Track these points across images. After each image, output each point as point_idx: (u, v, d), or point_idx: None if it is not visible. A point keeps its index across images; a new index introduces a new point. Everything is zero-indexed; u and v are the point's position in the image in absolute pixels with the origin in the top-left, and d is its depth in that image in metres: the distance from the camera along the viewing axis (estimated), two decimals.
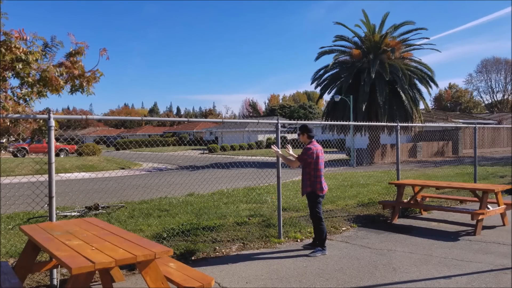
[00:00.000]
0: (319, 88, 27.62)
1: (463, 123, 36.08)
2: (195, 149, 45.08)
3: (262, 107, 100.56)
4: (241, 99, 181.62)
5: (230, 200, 9.60)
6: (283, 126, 50.04)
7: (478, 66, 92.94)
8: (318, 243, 5.66)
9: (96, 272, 3.91)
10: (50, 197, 4.50)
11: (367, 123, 8.80)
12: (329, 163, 22.07)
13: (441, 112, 47.97)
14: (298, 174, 14.98)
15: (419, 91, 25.49)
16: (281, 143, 6.42)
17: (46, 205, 4.62)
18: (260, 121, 6.84)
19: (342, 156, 28.20)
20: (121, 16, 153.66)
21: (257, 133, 52.20)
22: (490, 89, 72.42)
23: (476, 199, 7.20)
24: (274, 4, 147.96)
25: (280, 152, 5.96)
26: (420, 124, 12.41)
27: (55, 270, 4.49)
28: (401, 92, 24.23)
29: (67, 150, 32.48)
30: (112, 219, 7.45)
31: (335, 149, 33.47)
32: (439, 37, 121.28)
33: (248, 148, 44.34)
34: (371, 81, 23.75)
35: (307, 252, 5.68)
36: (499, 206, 7.11)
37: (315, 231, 5.73)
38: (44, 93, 4.90)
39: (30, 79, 4.72)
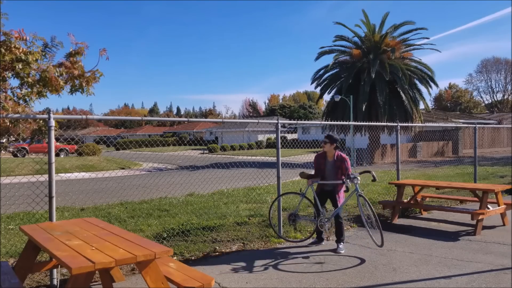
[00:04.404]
0: (319, 88, 27.66)
1: (463, 123, 36.08)
2: (195, 149, 45.07)
3: (262, 107, 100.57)
4: (241, 99, 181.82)
5: (230, 200, 9.60)
6: (283, 126, 50.04)
7: (478, 66, 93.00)
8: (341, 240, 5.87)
9: (96, 272, 3.91)
10: (50, 197, 4.50)
11: (367, 123, 8.80)
12: None
13: (441, 112, 47.98)
14: (298, 174, 14.97)
15: (419, 91, 25.50)
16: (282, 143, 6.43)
17: None
18: (260, 121, 6.84)
19: None
20: (121, 15, 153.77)
21: (257, 133, 52.20)
22: (490, 89, 72.45)
23: (476, 199, 7.20)
24: (274, 4, 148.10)
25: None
26: (420, 124, 12.40)
27: (55, 270, 4.49)
28: (401, 92, 24.24)
29: (67, 150, 32.48)
30: (112, 219, 7.45)
31: None
32: (439, 37, 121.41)
33: (248, 148, 44.34)
34: (371, 81, 23.76)
35: (306, 249, 5.68)
36: (499, 206, 7.11)
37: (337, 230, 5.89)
38: (44, 93, 4.91)
39: (30, 79, 4.72)
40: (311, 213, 6.17)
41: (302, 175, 6.23)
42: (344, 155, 6.01)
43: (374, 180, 5.76)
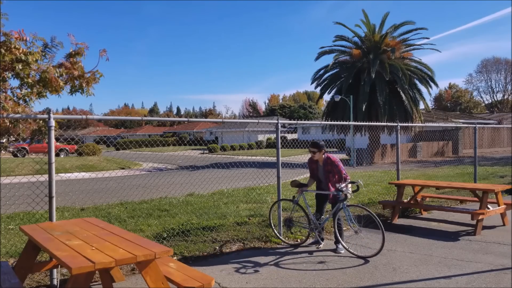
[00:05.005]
0: (319, 88, 27.66)
1: (463, 123, 36.08)
2: (195, 149, 45.10)
3: (262, 107, 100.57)
4: (241, 99, 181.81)
5: (230, 200, 9.60)
6: (283, 126, 50.05)
7: (478, 66, 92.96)
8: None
9: (96, 272, 3.91)
10: (50, 197, 4.50)
11: (367, 123, 8.80)
12: None
13: (441, 112, 47.97)
14: (298, 174, 15.01)
15: (419, 91, 25.50)
16: (281, 143, 6.44)
17: None
18: (260, 121, 6.84)
19: (342, 156, 28.20)
20: (122, 16, 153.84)
21: (257, 133, 52.20)
22: (490, 89, 72.43)
23: (476, 199, 7.20)
24: (274, 4, 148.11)
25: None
26: (420, 124, 12.40)
27: (55, 270, 4.50)
28: (401, 92, 24.23)
29: (67, 150, 32.50)
30: (112, 219, 7.45)
31: (335, 149, 33.49)
32: (439, 37, 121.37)
33: (248, 148, 44.34)
34: (371, 81, 23.76)
35: (308, 249, 5.68)
36: (499, 206, 7.11)
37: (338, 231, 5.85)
38: (44, 94, 4.91)
39: (30, 80, 4.72)
40: (305, 216, 6.19)
41: (293, 183, 6.27)
42: (333, 158, 5.88)
43: (356, 190, 5.58)
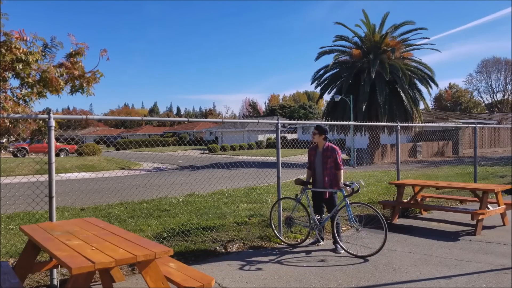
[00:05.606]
0: (319, 88, 27.67)
1: (463, 123, 36.06)
2: (195, 149, 45.10)
3: (262, 107, 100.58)
4: (241, 99, 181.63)
5: (230, 200, 9.60)
6: (283, 126, 50.06)
7: (478, 66, 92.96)
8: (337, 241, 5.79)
9: (96, 272, 3.91)
10: (50, 197, 4.50)
11: (367, 123, 8.80)
12: None
13: (441, 112, 47.96)
14: (298, 174, 15.01)
15: (419, 91, 25.50)
16: (281, 143, 6.44)
17: None
18: (260, 121, 6.84)
19: (342, 156, 28.13)
20: (122, 16, 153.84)
21: (257, 133, 52.20)
22: (490, 89, 72.42)
23: (476, 199, 7.20)
24: (274, 4, 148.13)
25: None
26: (420, 124, 12.41)
27: (55, 270, 4.50)
28: (401, 92, 24.24)
29: (67, 150, 32.50)
30: (112, 219, 7.46)
31: None
32: (439, 37, 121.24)
33: (248, 148, 44.34)
34: (371, 81, 23.76)
35: (306, 249, 5.68)
36: (499, 206, 7.11)
37: (336, 231, 5.81)
38: (44, 94, 4.91)
39: (30, 80, 4.72)
40: (305, 215, 6.20)
41: (297, 181, 6.30)
42: (334, 146, 5.99)
43: (356, 191, 5.50)
